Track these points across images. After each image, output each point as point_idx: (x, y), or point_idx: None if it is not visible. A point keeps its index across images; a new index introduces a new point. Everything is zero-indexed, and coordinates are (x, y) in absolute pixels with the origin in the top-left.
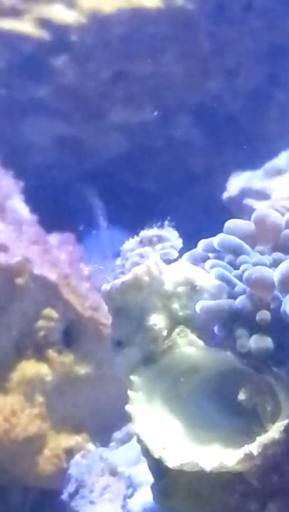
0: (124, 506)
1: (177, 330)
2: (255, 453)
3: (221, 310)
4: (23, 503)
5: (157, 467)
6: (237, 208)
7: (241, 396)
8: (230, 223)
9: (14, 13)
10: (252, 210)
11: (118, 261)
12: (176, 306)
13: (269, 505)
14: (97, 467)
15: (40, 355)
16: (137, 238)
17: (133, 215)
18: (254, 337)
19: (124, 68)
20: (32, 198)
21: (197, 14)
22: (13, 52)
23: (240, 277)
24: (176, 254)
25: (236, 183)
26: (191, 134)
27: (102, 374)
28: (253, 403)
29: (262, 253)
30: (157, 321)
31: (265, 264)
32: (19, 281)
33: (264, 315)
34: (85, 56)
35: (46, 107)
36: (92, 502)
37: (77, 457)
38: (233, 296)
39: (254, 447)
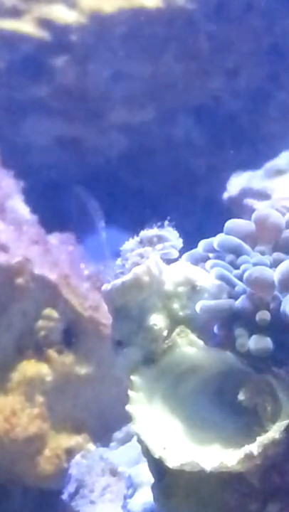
0: (124, 506)
1: (177, 330)
2: (255, 453)
3: (221, 310)
4: (23, 503)
5: (157, 467)
6: (237, 207)
7: (241, 396)
8: (230, 223)
9: (15, 13)
10: (252, 210)
11: (118, 261)
12: (176, 306)
13: (269, 506)
14: (97, 467)
15: (40, 355)
16: (137, 238)
17: (133, 215)
18: (254, 337)
19: (125, 68)
20: (32, 198)
21: (197, 14)
22: (13, 52)
23: (240, 277)
24: (176, 254)
25: (237, 183)
26: (191, 133)
27: (103, 374)
28: (254, 403)
29: (262, 253)
30: (157, 321)
31: (265, 264)
32: (19, 281)
33: (264, 315)
34: (85, 56)
35: (46, 107)
36: (92, 502)
37: (78, 457)
38: (233, 296)
39: (254, 447)
